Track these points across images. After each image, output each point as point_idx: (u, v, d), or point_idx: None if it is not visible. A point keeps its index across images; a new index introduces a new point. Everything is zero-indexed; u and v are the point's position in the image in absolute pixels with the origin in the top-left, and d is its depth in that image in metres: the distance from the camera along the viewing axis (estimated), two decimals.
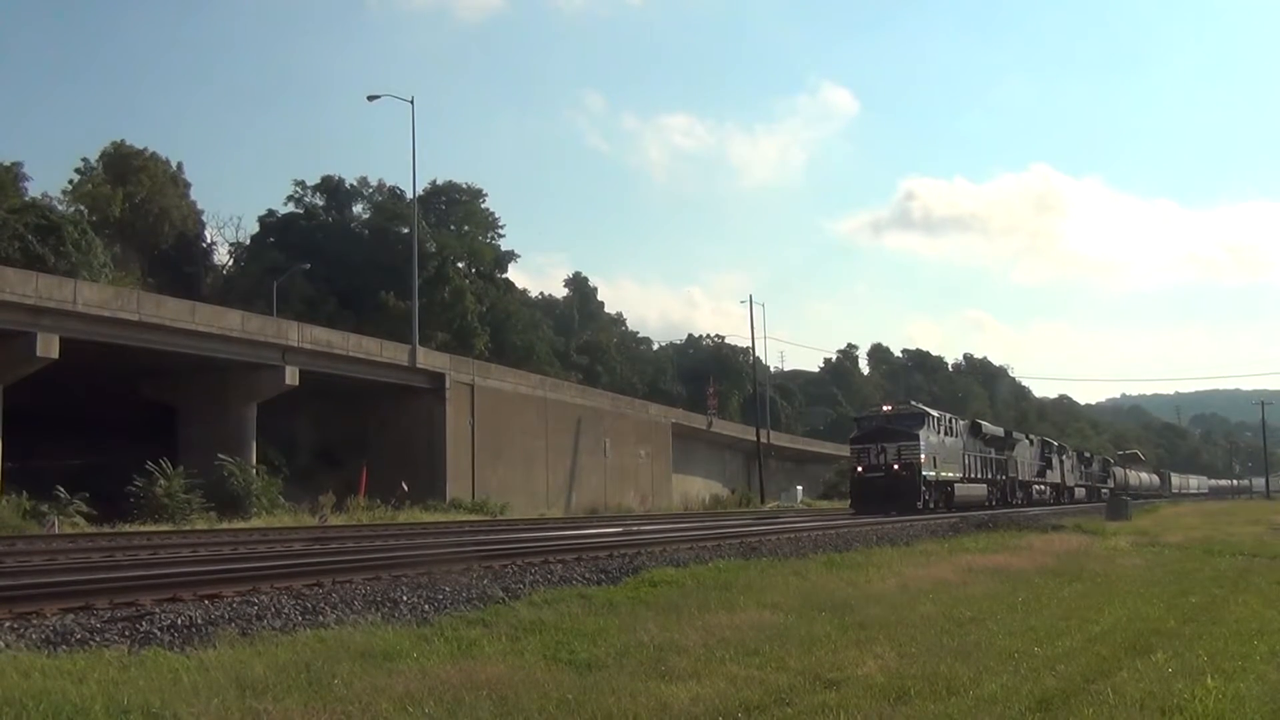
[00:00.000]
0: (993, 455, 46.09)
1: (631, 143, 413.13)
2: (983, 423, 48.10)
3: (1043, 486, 55.03)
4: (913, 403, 44.40)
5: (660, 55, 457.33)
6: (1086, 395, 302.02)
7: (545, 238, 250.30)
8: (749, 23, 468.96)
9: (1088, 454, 77.67)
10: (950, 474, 39.48)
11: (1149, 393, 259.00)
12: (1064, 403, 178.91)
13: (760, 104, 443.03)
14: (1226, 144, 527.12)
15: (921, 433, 37.00)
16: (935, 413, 40.54)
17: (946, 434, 40.12)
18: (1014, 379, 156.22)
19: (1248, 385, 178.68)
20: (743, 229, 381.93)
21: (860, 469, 38.01)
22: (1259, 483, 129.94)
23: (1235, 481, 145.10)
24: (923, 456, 36.41)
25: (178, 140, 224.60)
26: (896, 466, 36.46)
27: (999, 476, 46.63)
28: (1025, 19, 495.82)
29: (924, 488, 36.24)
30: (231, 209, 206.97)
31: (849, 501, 41.54)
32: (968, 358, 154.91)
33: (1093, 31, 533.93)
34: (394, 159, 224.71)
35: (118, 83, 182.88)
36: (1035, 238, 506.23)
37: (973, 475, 42.50)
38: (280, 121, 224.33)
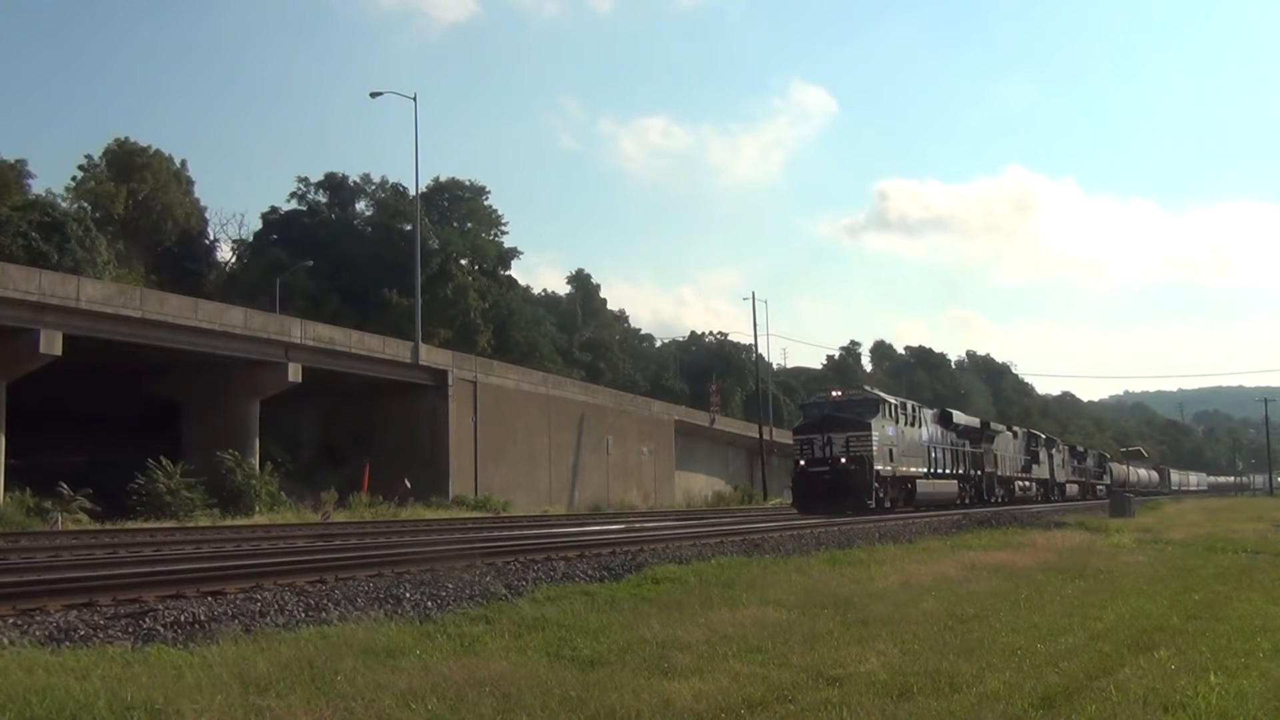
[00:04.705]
0: (966, 448, 41.80)
1: (610, 145, 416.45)
2: (954, 412, 43.35)
3: (1027, 483, 50.81)
4: (866, 388, 40.29)
5: (635, 62, 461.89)
6: (1089, 392, 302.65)
7: (534, 237, 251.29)
8: (723, 29, 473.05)
9: (1081, 449, 73.95)
10: (911, 468, 35.37)
11: (1152, 389, 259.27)
12: (1066, 399, 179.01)
13: (738, 107, 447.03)
14: (1205, 145, 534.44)
15: (874, 421, 32.70)
16: (893, 399, 36.25)
17: (908, 424, 35.84)
18: (1016, 376, 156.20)
19: (1250, 382, 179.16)
20: (728, 229, 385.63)
21: (803, 463, 33.23)
22: (1259, 479, 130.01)
23: (1236, 478, 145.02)
24: (875, 448, 32.19)
25: (181, 138, 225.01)
26: (844, 460, 31.96)
27: (973, 472, 42.32)
28: (999, 25, 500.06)
29: (876, 484, 32.13)
30: (235, 206, 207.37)
31: (791, 499, 37.38)
32: (970, 355, 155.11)
33: (1067, 36, 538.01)
34: (390, 156, 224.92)
35: (121, 80, 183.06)
36: (1013, 237, 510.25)
37: (940, 470, 38.30)
38: (281, 119, 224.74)
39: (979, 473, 43.24)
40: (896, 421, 34.86)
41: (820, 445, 32.68)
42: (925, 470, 36.82)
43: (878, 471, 32.39)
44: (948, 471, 39.27)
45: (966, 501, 40.12)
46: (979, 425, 44.95)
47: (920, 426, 37.19)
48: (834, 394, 36.98)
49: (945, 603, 10.08)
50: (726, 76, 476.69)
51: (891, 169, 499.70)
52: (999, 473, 46.16)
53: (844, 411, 33.66)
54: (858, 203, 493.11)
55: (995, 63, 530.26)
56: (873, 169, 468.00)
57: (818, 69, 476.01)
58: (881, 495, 32.62)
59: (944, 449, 39.21)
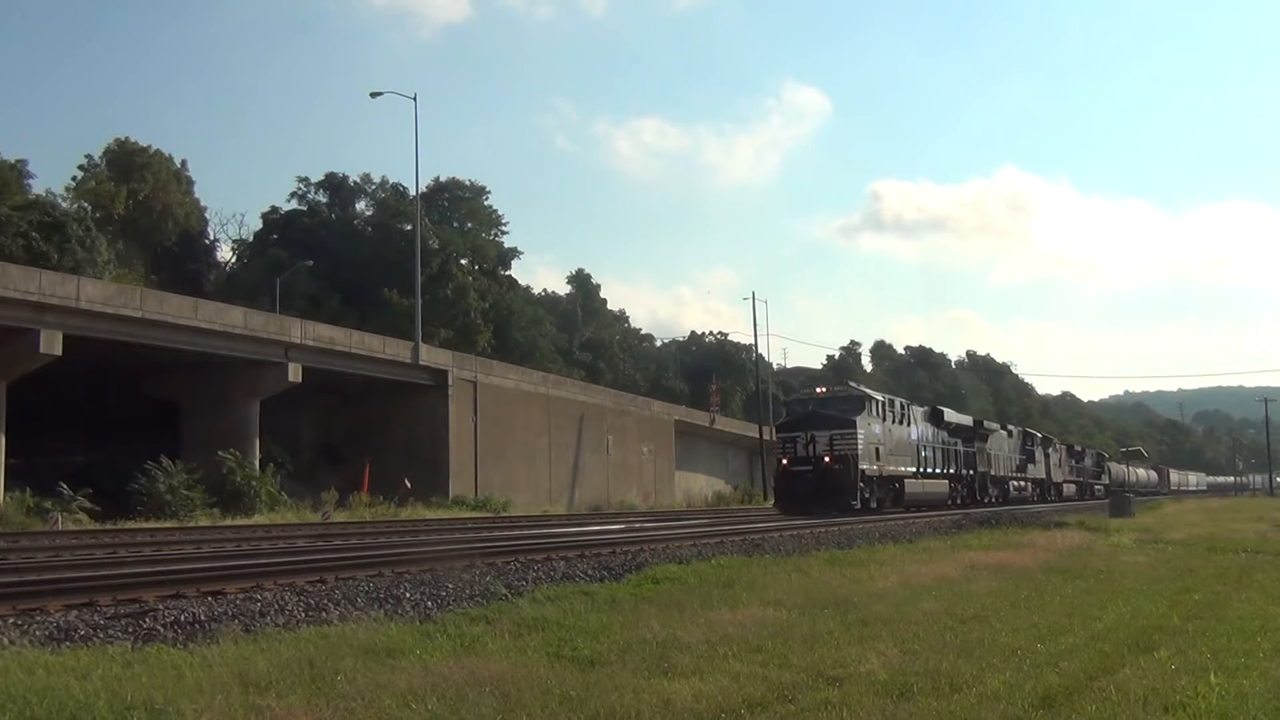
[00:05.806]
0: (959, 447, 40.63)
1: (605, 146, 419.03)
2: (946, 410, 42.05)
3: (1022, 483, 49.76)
4: (852, 384, 39.07)
5: (628, 63, 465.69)
6: (1089, 392, 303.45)
7: (530, 237, 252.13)
8: (716, 30, 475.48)
9: (1079, 448, 73.24)
10: (899, 467, 34.15)
11: (1152, 389, 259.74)
12: (1066, 399, 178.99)
13: (732, 108, 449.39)
14: (1200, 146, 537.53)
15: (859, 419, 31.41)
16: (880, 396, 34.84)
17: (896, 421, 34.51)
18: (1016, 376, 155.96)
19: (1250, 382, 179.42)
20: (725, 229, 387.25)
21: (786, 462, 31.97)
22: (1259, 479, 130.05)
23: (1236, 478, 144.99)
24: (860, 447, 30.95)
25: (181, 138, 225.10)
26: (828, 459, 30.63)
27: (965, 471, 41.11)
28: (993, 26, 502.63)
29: (861, 484, 30.89)
30: (235, 206, 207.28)
31: (773, 500, 36.26)
32: (970, 355, 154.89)
33: (1061, 37, 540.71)
34: (390, 156, 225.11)
35: (121, 80, 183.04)
36: (1008, 237, 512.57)
37: (930, 469, 37.14)
38: (281, 119, 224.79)
39: (971, 472, 42.19)
40: (884, 419, 33.71)
41: (804, 443, 31.47)
42: (914, 470, 35.67)
43: (863, 471, 31.24)
44: (938, 471, 38.14)
45: (958, 502, 39.23)
46: (972, 424, 43.90)
47: (909, 424, 36.01)
48: (818, 390, 35.57)
49: (945, 603, 10.08)
50: (720, 78, 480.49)
51: (886, 170, 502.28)
52: (993, 472, 45.20)
53: (828, 409, 32.38)
54: (852, 203, 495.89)
55: (989, 64, 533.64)
56: (867, 170, 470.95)
57: (812, 70, 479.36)
58: (867, 495, 31.56)
59: (935, 448, 38.11)
